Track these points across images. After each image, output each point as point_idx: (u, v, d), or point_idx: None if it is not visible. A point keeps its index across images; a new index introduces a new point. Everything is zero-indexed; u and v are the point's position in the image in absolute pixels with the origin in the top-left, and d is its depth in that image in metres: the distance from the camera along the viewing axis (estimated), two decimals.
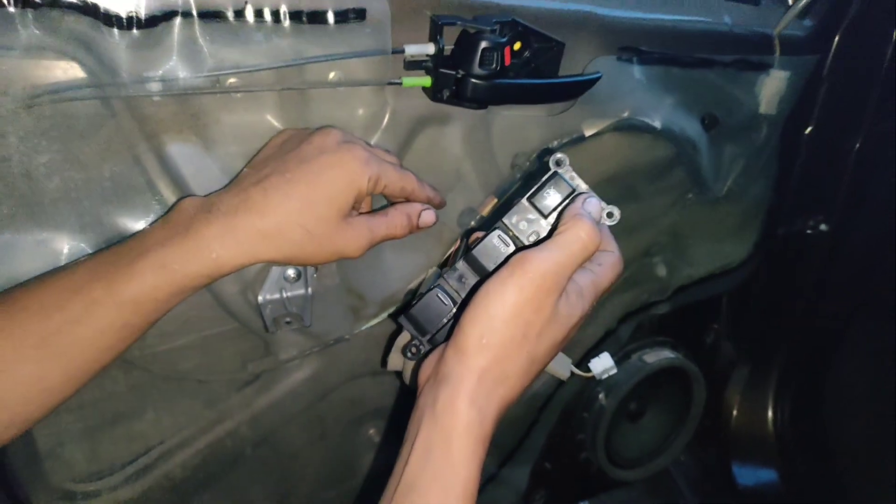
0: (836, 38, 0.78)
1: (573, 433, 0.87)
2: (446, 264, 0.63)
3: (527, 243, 0.48)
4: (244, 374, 0.61)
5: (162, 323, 0.53)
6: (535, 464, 0.87)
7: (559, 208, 0.48)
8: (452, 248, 0.64)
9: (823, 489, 0.98)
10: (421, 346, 0.50)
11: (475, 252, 0.48)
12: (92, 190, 0.49)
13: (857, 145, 0.88)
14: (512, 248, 0.48)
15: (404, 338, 0.54)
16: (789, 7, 0.71)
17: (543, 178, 0.48)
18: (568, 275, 0.43)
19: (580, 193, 0.48)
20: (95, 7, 0.42)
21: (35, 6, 0.41)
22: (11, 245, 0.48)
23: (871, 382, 1.04)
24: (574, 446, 0.86)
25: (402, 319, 0.50)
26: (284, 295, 0.56)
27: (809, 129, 0.85)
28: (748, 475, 1.01)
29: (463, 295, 0.49)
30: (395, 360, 0.56)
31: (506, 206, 0.50)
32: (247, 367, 0.61)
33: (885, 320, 1.02)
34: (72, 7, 0.42)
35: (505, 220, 0.48)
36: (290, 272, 0.57)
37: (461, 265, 0.49)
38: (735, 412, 1.02)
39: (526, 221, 0.48)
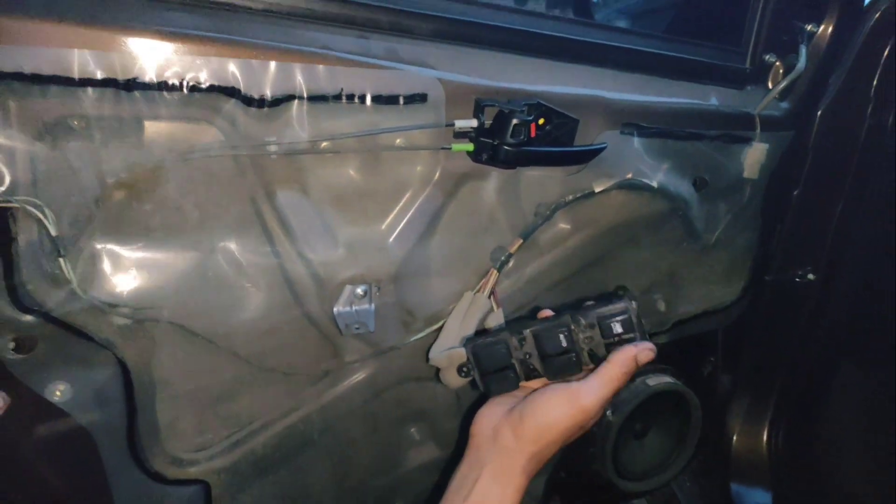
0: (818, 117, 0.90)
1: (585, 446, 0.96)
2: (480, 290, 0.76)
3: (582, 348, 0.60)
4: (317, 371, 0.74)
5: (259, 327, 0.67)
6: (551, 473, 0.96)
7: (617, 339, 0.59)
8: (485, 279, 0.76)
9: None
10: (472, 373, 0.63)
11: (542, 333, 0.61)
12: (221, 222, 0.63)
13: (840, 206, 0.98)
14: (566, 345, 0.60)
15: (458, 355, 0.66)
16: (768, 91, 0.84)
17: (616, 308, 0.59)
18: (604, 407, 0.57)
19: (639, 339, 0.59)
20: (237, 90, 0.57)
21: (200, 90, 0.56)
22: (160, 261, 0.62)
23: (859, 419, 1.11)
24: (586, 458, 0.95)
25: (468, 348, 0.63)
26: (354, 308, 0.69)
27: (797, 191, 0.96)
28: (745, 495, 1.07)
29: (518, 355, 0.61)
30: (443, 364, 0.69)
31: (575, 306, 0.63)
32: (319, 366, 0.74)
33: (871, 364, 1.10)
34: (222, 90, 0.57)
35: (573, 323, 0.60)
36: (359, 290, 0.70)
37: (528, 334, 0.61)
38: (735, 438, 1.10)
39: (588, 332, 0.60)
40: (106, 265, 0.59)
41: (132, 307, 0.61)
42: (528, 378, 0.62)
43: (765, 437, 1.09)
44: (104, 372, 0.63)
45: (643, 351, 0.58)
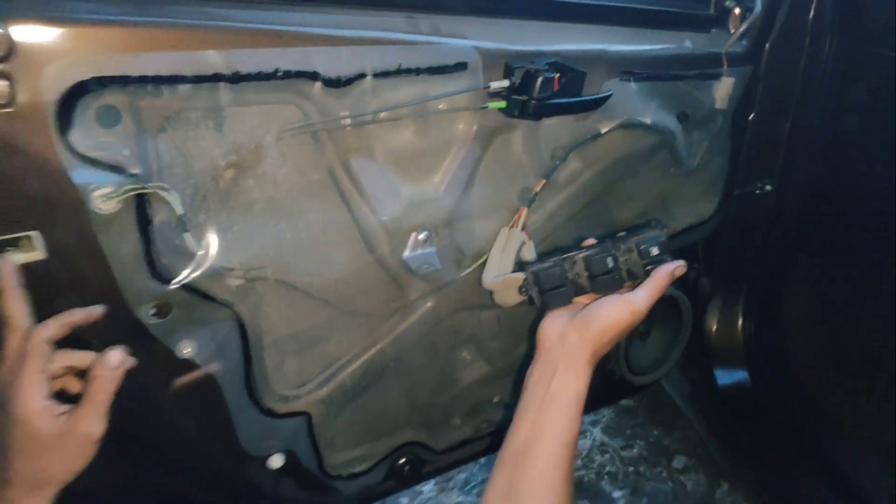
0: (766, 51, 1.04)
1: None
2: (514, 225, 0.88)
3: (621, 268, 0.74)
4: (389, 309, 0.85)
5: (343, 277, 0.78)
6: None
7: (655, 259, 0.74)
8: (517, 216, 0.89)
9: (781, 382, 1.25)
10: (531, 292, 0.76)
11: (591, 257, 0.74)
12: (307, 189, 0.73)
13: (787, 125, 1.15)
14: (611, 266, 0.73)
15: (514, 279, 0.79)
16: (731, 34, 0.97)
17: (651, 235, 0.74)
18: (650, 309, 0.72)
19: (671, 259, 0.74)
20: (318, 74, 0.66)
21: (290, 76, 0.65)
22: (262, 227, 0.71)
23: (813, 300, 1.31)
24: (602, 359, 1.11)
25: (529, 271, 0.76)
26: (419, 252, 0.81)
27: (752, 115, 1.11)
28: (725, 377, 1.27)
29: (570, 276, 0.75)
30: (497, 287, 0.82)
31: (612, 235, 0.77)
32: (391, 305, 0.85)
33: (820, 255, 1.29)
34: (307, 75, 0.66)
35: (614, 249, 0.74)
36: (421, 236, 0.81)
37: (579, 259, 0.75)
38: (714, 330, 1.29)
39: (627, 255, 0.74)
40: (221, 235, 0.68)
41: (244, 269, 0.71)
42: (577, 294, 0.76)
43: (739, 327, 1.28)
44: (224, 328, 0.73)
45: (678, 267, 0.73)
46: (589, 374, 0.69)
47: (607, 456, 1.69)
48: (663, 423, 1.75)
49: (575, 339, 0.69)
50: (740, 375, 1.28)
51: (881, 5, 1.04)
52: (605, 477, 1.63)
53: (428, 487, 1.65)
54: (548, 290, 0.75)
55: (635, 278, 0.76)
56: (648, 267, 0.75)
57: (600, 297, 0.74)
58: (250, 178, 0.68)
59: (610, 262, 0.74)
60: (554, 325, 0.72)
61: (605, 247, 0.75)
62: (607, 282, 0.74)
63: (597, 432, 1.76)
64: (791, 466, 1.15)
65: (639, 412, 1.80)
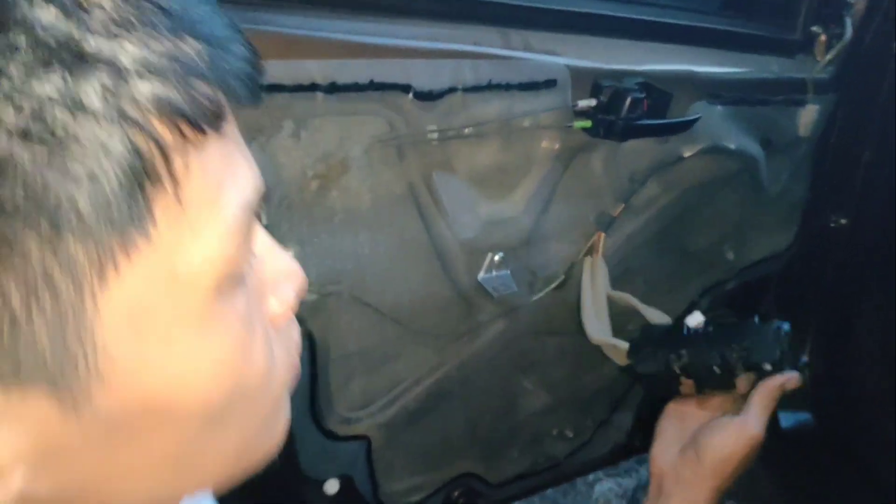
0: (852, 82, 1.04)
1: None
2: (594, 253, 0.88)
3: (734, 367, 0.71)
4: (459, 330, 0.85)
5: (416, 296, 0.77)
6: (637, 408, 1.10)
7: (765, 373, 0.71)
8: (595, 241, 0.88)
9: (849, 424, 1.22)
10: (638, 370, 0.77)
11: (697, 356, 0.73)
12: (387, 204, 0.73)
13: (867, 157, 1.13)
14: (719, 372, 0.71)
15: (621, 349, 0.81)
16: (817, 59, 0.97)
17: (765, 345, 0.71)
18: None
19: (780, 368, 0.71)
20: (410, 87, 0.66)
21: (383, 87, 0.65)
22: (341, 241, 0.71)
23: (883, 342, 1.28)
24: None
25: (632, 358, 0.78)
26: (494, 273, 0.80)
27: (834, 140, 1.10)
28: (787, 416, 1.24)
29: (676, 368, 0.74)
30: (604, 344, 0.81)
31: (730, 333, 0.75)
32: (461, 326, 0.84)
33: (891, 295, 1.27)
34: (399, 87, 0.66)
35: (724, 348, 0.72)
36: (497, 257, 0.81)
37: (684, 354, 0.74)
38: None
39: (739, 358, 0.71)
40: (300, 247, 0.68)
41: (320, 283, 0.70)
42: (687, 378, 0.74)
43: (804, 362, 1.25)
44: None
45: (790, 381, 0.70)
46: None
47: None
48: None
49: (689, 476, 0.67)
50: (803, 415, 1.25)
51: None
52: None
53: None
54: (653, 378, 0.76)
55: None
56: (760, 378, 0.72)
57: (713, 410, 0.72)
58: (334, 189, 0.68)
59: (717, 370, 0.72)
60: (665, 458, 0.70)
61: (712, 343, 0.73)
62: (713, 382, 0.73)
63: (643, 470, 1.73)
64: None
65: None
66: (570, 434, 1.05)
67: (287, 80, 0.60)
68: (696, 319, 0.86)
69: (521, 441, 1.00)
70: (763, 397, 0.69)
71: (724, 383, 0.72)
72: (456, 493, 0.96)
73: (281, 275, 0.30)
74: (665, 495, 0.68)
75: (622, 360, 0.81)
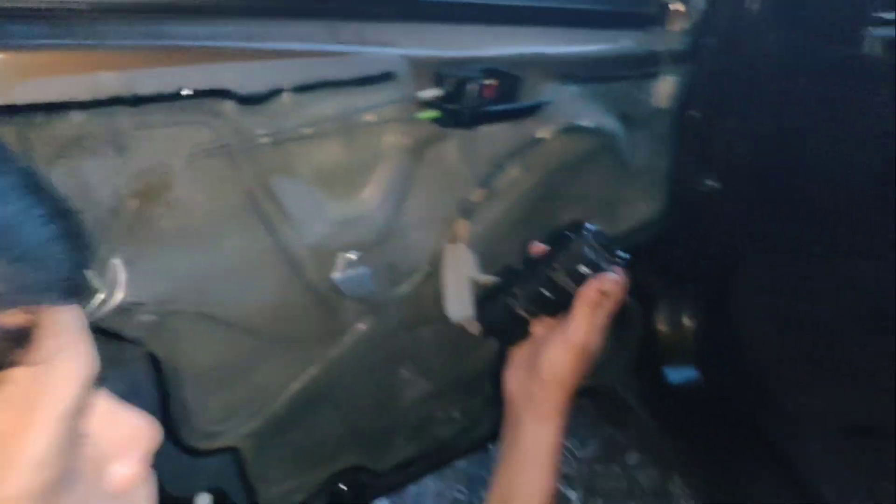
0: (709, 47, 1.06)
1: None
2: (456, 240, 0.87)
3: (566, 286, 0.70)
4: (322, 334, 0.83)
5: (269, 304, 0.76)
6: None
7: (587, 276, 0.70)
8: (457, 229, 0.88)
9: (731, 377, 1.29)
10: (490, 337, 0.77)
11: (529, 289, 0.72)
12: (224, 214, 0.70)
13: (733, 121, 1.17)
14: (552, 296, 0.71)
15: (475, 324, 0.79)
16: (670, 31, 0.98)
17: (574, 252, 0.70)
18: (597, 336, 0.70)
19: (599, 268, 0.70)
20: (230, 91, 0.63)
21: (197, 95, 0.61)
22: (175, 258, 0.68)
23: (760, 294, 1.36)
24: None
25: (479, 321, 0.77)
26: (350, 273, 0.79)
27: (696, 112, 1.13)
28: (676, 375, 1.30)
29: (519, 310, 0.73)
30: (465, 323, 0.81)
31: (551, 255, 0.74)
32: (322, 329, 0.83)
33: (766, 249, 1.34)
34: (216, 93, 0.63)
35: (549, 271, 0.71)
36: (352, 257, 0.79)
37: (518, 292, 0.73)
38: (664, 329, 1.32)
39: (563, 274, 0.71)
40: (128, 269, 0.65)
41: (155, 304, 0.68)
42: (534, 317, 0.74)
43: (689, 324, 1.32)
44: (135, 366, 0.70)
45: (605, 281, 0.69)
46: (559, 421, 0.69)
47: (563, 458, 1.72)
48: (618, 419, 1.79)
49: (536, 392, 0.69)
50: (689, 371, 1.32)
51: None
52: (561, 479, 1.66)
53: None
54: (503, 331, 0.76)
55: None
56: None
57: (554, 324, 0.73)
58: (159, 206, 0.65)
59: (546, 291, 0.72)
60: (515, 381, 0.72)
61: (537, 273, 0.73)
62: (554, 307, 0.72)
63: None
64: (739, 458, 1.20)
65: (592, 410, 1.84)
66: (457, 415, 1.07)
67: (84, 96, 0.56)
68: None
69: (406, 429, 1.02)
70: (582, 304, 0.69)
71: (562, 303, 0.71)
72: (342, 487, 0.97)
73: (124, 441, 0.30)
74: (518, 415, 0.70)
75: (477, 331, 0.81)
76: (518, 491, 0.66)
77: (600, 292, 0.69)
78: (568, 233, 0.74)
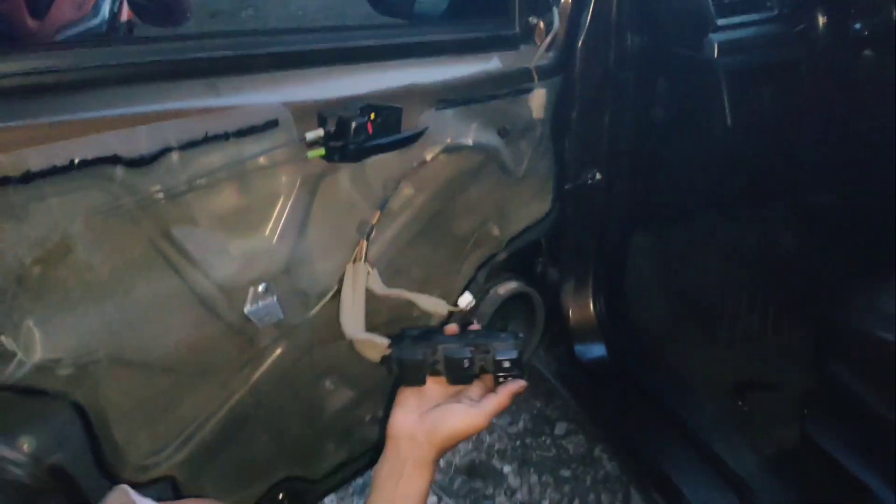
0: (577, 56, 1.16)
1: None
2: (356, 260, 0.95)
3: (476, 366, 0.81)
4: (240, 361, 0.90)
5: (185, 342, 0.81)
6: None
7: (506, 371, 0.81)
8: (358, 250, 0.95)
9: (633, 349, 1.43)
10: (391, 366, 0.85)
11: (451, 352, 0.82)
12: (130, 267, 0.75)
13: (607, 120, 1.28)
14: (467, 366, 0.81)
15: (380, 343, 0.88)
16: (537, 48, 1.08)
17: (507, 348, 0.81)
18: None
19: (517, 377, 0.81)
20: (119, 157, 0.68)
21: (87, 164, 0.66)
22: (85, 314, 0.73)
23: (650, 269, 1.50)
24: None
25: (394, 353, 0.85)
26: (260, 304, 0.86)
27: (575, 114, 1.24)
28: (584, 352, 1.43)
29: (429, 361, 0.82)
30: (363, 342, 0.89)
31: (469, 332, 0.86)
32: (241, 357, 0.90)
33: (651, 229, 1.47)
34: (106, 160, 0.68)
35: (472, 346, 0.82)
36: (260, 289, 0.86)
37: (440, 350, 0.82)
38: (570, 312, 1.44)
39: (484, 356, 0.81)
40: (41, 331, 0.70)
41: (72, 358, 0.73)
42: (433, 374, 0.84)
43: (591, 305, 1.44)
44: (62, 416, 0.75)
45: (521, 388, 0.81)
46: (433, 471, 0.78)
47: (495, 435, 1.84)
48: (544, 395, 1.93)
49: (423, 441, 0.77)
50: (597, 348, 1.45)
51: (671, 7, 1.19)
52: (495, 455, 1.78)
53: (328, 498, 1.72)
54: (406, 367, 0.84)
55: (486, 373, 0.84)
56: (500, 377, 0.82)
57: (450, 392, 0.83)
58: (63, 269, 0.70)
59: (466, 363, 0.82)
60: (405, 423, 0.80)
61: (465, 343, 0.83)
62: (462, 377, 0.83)
63: None
64: (645, 425, 1.33)
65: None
66: (382, 415, 1.15)
67: None
68: (465, 300, 1.00)
69: (335, 435, 1.09)
70: (499, 398, 0.80)
71: (468, 376, 0.83)
72: (279, 498, 1.04)
73: None
74: (400, 456, 0.78)
75: (374, 356, 0.89)
76: None
77: (518, 392, 0.81)
78: (497, 333, 0.87)
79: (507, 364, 0.82)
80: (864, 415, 1.00)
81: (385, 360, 0.87)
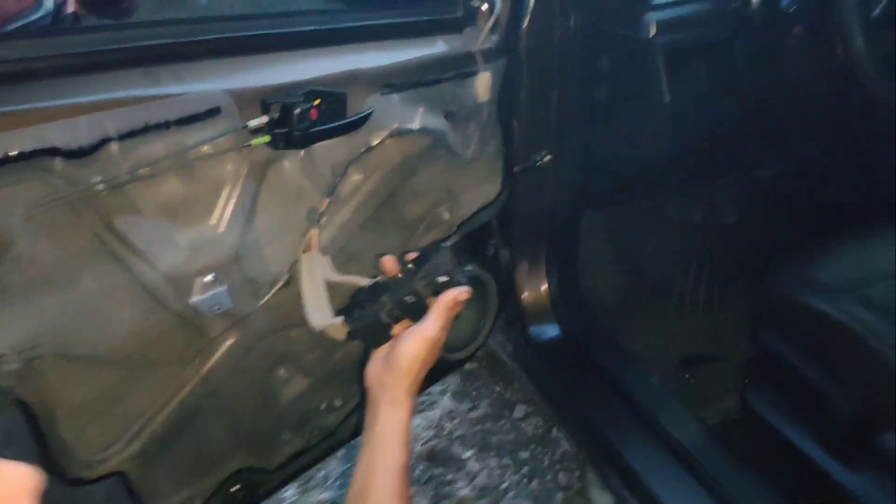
0: (522, 38, 1.20)
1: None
2: (308, 249, 0.97)
3: (424, 293, 0.84)
4: (190, 352, 0.91)
5: (132, 334, 0.82)
6: None
7: (445, 285, 0.84)
8: (309, 238, 0.97)
9: (585, 327, 1.49)
10: (357, 338, 0.88)
11: (396, 295, 0.85)
12: (73, 259, 0.75)
13: (555, 100, 1.33)
14: (413, 300, 0.84)
15: (339, 325, 0.89)
16: (480, 31, 1.11)
17: (437, 263, 0.84)
18: (446, 331, 0.84)
19: (457, 284, 0.84)
20: (56, 148, 0.69)
21: (24, 157, 0.67)
22: (28, 308, 0.73)
23: (600, 253, 1.56)
24: None
25: (349, 325, 0.87)
26: (208, 294, 0.87)
27: (522, 96, 1.28)
28: (538, 332, 1.48)
29: (384, 315, 0.85)
30: (329, 329, 0.91)
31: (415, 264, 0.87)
32: (192, 347, 0.91)
33: (599, 208, 1.53)
34: (43, 152, 0.68)
35: (411, 281, 0.84)
36: (208, 278, 0.87)
37: (386, 298, 0.85)
38: (524, 293, 1.48)
39: (424, 281, 0.84)
40: None
41: (16, 353, 0.73)
42: (397, 322, 0.87)
43: (545, 286, 1.49)
44: (7, 413, 0.75)
45: (460, 293, 0.85)
46: (409, 406, 0.82)
47: (456, 421, 1.89)
48: (503, 378, 1.98)
49: (390, 380, 0.81)
50: (551, 328, 1.50)
51: None
52: (456, 441, 1.83)
53: (290, 492, 1.75)
54: (370, 333, 0.87)
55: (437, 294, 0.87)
56: (441, 289, 0.86)
57: (408, 328, 0.85)
58: (4, 263, 0.70)
59: (411, 298, 0.85)
60: (374, 371, 0.84)
61: (403, 280, 0.86)
62: (414, 311, 0.86)
63: (445, 400, 1.95)
64: (598, 403, 1.39)
65: (481, 373, 2.02)
66: (339, 403, 1.18)
67: None
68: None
69: (290, 424, 1.11)
70: (439, 307, 0.84)
71: (420, 309, 0.85)
72: (235, 489, 1.06)
73: (8, 496, 0.34)
74: (374, 401, 0.83)
75: (341, 336, 0.92)
76: (376, 468, 0.78)
77: (454, 300, 0.84)
78: (428, 251, 0.89)
79: (443, 278, 0.85)
80: (797, 382, 1.08)
81: (349, 334, 0.89)
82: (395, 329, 0.88)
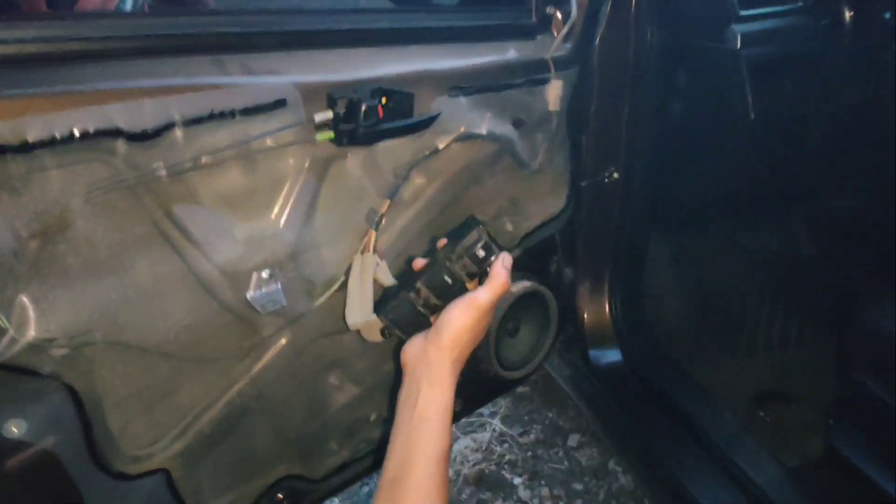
0: (595, 48, 1.14)
1: (473, 351, 1.18)
2: (365, 250, 0.93)
3: (461, 276, 0.81)
4: (242, 350, 0.88)
5: (184, 326, 0.79)
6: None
7: (485, 259, 0.80)
8: (366, 239, 0.93)
9: (649, 354, 1.39)
10: (395, 332, 0.84)
11: (430, 279, 0.81)
12: (130, 245, 0.73)
13: (625, 115, 1.26)
14: (451, 281, 0.81)
15: (376, 322, 0.86)
16: (554, 38, 1.06)
17: (472, 239, 0.81)
18: (494, 306, 0.79)
19: (499, 252, 0.80)
20: (120, 130, 0.67)
21: (88, 137, 0.65)
22: (83, 292, 0.71)
23: (667, 271, 1.46)
24: (474, 361, 1.18)
25: (383, 318, 0.84)
26: (264, 290, 0.83)
27: (593, 109, 1.21)
28: (599, 357, 1.39)
29: (420, 303, 0.82)
30: (363, 327, 0.87)
31: (435, 249, 0.84)
32: (243, 345, 0.87)
33: (668, 230, 1.44)
34: (107, 133, 0.66)
35: (447, 262, 0.81)
36: (265, 274, 0.84)
37: (420, 285, 0.81)
38: (585, 315, 1.40)
39: (461, 262, 0.81)
40: (36, 308, 0.68)
41: (67, 338, 0.71)
42: (433, 313, 0.82)
43: (607, 308, 1.40)
44: (54, 399, 0.73)
45: (505, 258, 0.80)
46: (452, 385, 0.76)
47: (506, 445, 1.80)
48: (557, 404, 1.89)
49: (433, 352, 0.76)
50: (612, 353, 1.41)
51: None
52: (506, 466, 1.74)
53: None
54: (407, 325, 0.82)
55: (476, 276, 0.83)
56: (487, 267, 0.82)
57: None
58: (61, 243, 0.68)
59: (448, 279, 0.80)
60: (414, 345, 0.79)
61: (439, 264, 0.81)
62: (453, 294, 0.81)
63: (496, 423, 1.87)
64: (661, 435, 1.29)
65: (534, 397, 1.93)
66: (388, 415, 1.12)
67: None
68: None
69: (338, 433, 1.06)
70: (492, 276, 0.79)
71: (459, 289, 0.81)
72: (279, 497, 1.01)
73: None
74: (414, 376, 0.76)
75: (376, 334, 0.88)
76: (415, 454, 0.71)
77: (502, 264, 0.79)
78: (457, 230, 0.85)
79: (481, 253, 0.81)
80: (889, 422, 0.96)
81: (384, 331, 0.84)
82: (433, 319, 0.82)
